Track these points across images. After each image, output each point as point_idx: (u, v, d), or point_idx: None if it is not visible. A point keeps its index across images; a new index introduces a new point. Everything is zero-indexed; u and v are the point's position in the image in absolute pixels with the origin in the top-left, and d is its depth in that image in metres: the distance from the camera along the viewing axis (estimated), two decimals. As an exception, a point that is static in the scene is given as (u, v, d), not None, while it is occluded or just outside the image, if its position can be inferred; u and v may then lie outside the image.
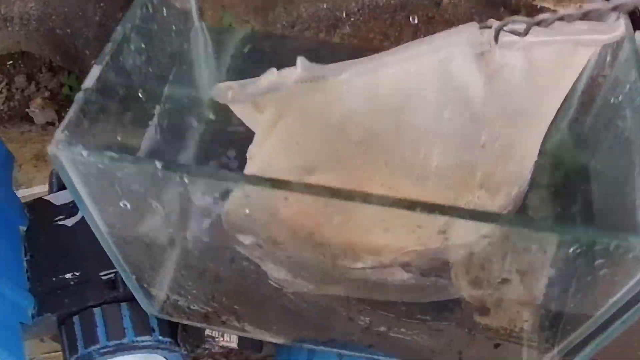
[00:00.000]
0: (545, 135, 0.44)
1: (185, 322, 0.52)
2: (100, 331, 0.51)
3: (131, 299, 0.52)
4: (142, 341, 0.52)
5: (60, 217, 0.56)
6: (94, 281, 0.53)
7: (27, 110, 1.07)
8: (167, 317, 0.53)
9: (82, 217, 0.45)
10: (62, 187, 0.60)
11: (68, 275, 0.53)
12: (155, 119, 0.48)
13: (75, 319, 0.52)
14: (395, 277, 0.43)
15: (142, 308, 0.52)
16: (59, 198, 0.58)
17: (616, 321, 0.37)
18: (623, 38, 0.40)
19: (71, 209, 0.56)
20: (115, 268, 0.48)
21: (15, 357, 0.47)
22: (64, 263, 0.54)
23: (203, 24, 0.56)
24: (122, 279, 0.52)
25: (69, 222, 0.56)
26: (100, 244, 0.43)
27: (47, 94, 1.08)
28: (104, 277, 0.53)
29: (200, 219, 0.41)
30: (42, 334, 0.58)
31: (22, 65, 1.10)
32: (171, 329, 0.54)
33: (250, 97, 0.37)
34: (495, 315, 0.44)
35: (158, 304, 0.51)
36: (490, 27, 0.36)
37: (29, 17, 1.00)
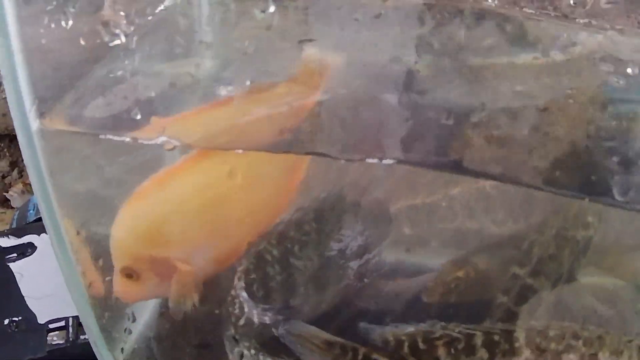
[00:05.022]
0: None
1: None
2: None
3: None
4: None
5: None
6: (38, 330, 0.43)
7: (5, 194, 0.99)
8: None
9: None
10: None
11: (6, 322, 0.43)
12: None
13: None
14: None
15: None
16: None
17: None
18: None
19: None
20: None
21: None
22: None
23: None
24: (75, 327, 0.42)
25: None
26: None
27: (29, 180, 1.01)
28: (51, 326, 0.43)
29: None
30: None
31: (6, 151, 1.05)
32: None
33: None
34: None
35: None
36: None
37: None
